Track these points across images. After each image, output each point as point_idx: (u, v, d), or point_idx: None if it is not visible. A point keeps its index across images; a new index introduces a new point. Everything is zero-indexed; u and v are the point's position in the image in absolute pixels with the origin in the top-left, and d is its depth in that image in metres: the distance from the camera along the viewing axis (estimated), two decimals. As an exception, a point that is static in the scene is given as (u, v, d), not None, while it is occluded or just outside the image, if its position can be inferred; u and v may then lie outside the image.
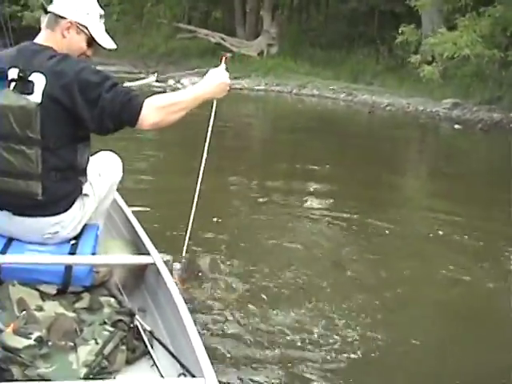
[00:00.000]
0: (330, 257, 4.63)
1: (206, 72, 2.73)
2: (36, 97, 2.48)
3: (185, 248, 3.40)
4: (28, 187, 2.54)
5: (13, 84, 2.51)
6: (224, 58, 2.88)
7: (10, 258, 2.50)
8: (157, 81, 18.05)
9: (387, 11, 18.97)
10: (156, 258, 2.65)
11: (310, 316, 3.60)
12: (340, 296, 3.89)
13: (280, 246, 4.72)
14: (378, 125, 12.68)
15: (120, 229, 3.28)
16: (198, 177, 3.19)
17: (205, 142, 3.18)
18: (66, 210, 2.66)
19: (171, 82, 17.77)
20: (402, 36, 15.20)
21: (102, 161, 3.07)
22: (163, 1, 24.96)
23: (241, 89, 17.12)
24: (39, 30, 2.72)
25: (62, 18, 2.61)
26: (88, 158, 2.78)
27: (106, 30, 2.75)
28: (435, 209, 6.15)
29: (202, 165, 3.19)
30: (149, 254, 2.71)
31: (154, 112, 2.47)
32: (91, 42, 2.70)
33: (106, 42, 2.75)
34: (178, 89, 16.55)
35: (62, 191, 2.64)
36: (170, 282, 2.46)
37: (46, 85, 2.48)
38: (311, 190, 6.88)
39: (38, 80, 2.49)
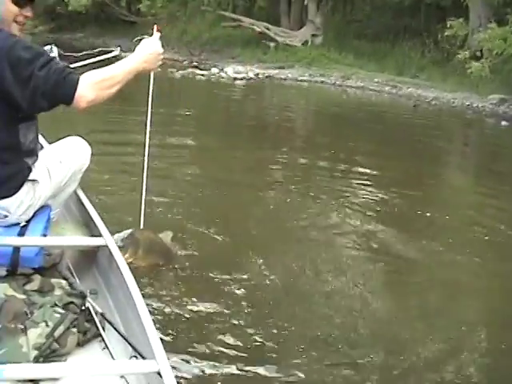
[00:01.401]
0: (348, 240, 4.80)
1: (138, 42, 2.66)
2: None
3: (142, 222, 3.34)
4: None
5: None
6: (157, 28, 2.82)
7: None
8: (197, 67, 18.20)
9: (433, 4, 18.75)
10: (108, 239, 2.61)
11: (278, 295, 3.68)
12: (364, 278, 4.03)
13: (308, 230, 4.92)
14: (422, 118, 12.60)
15: (73, 211, 3.24)
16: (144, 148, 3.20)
17: (146, 115, 3.16)
18: (11, 195, 2.56)
19: (215, 70, 17.86)
20: (450, 30, 15.04)
21: (66, 147, 2.95)
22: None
23: (284, 79, 17.19)
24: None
25: None
26: (36, 139, 2.66)
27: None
28: (477, 202, 6.29)
29: (147, 135, 3.15)
30: (101, 235, 2.67)
31: (90, 89, 2.36)
32: (19, 1, 2.47)
33: None
34: (222, 78, 16.76)
35: (4, 174, 2.52)
36: (123, 265, 2.42)
37: None
38: (351, 175, 7.03)
39: None
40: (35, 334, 2.14)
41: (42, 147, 2.79)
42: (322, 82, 16.89)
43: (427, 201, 6.17)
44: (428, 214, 5.54)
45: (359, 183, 6.52)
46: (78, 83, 2.33)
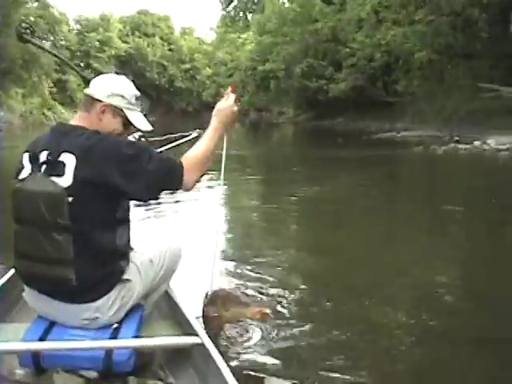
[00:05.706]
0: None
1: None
2: (66, 179, 2.40)
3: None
4: (61, 273, 2.45)
5: (43, 167, 2.45)
6: (231, 88, 2.88)
7: (50, 345, 2.44)
8: (459, 141, 18.37)
9: None
10: (204, 338, 2.53)
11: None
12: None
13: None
14: None
15: (164, 310, 3.19)
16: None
17: (220, 173, 3.24)
18: (103, 296, 2.54)
19: (477, 142, 18.03)
20: None
21: (158, 248, 2.97)
22: (463, 63, 25.56)
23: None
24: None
25: (98, 100, 2.59)
26: (128, 241, 2.71)
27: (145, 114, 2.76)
28: None
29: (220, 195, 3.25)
30: (196, 334, 2.59)
31: (194, 172, 2.56)
32: (127, 123, 2.67)
33: (142, 125, 2.71)
34: (485, 150, 16.86)
35: (97, 277, 2.52)
36: (221, 363, 2.35)
37: (76, 165, 2.40)
38: None
39: (68, 160, 2.41)
40: None
41: (132, 249, 2.82)
42: None
43: None
44: None
45: None
46: (183, 170, 2.53)
